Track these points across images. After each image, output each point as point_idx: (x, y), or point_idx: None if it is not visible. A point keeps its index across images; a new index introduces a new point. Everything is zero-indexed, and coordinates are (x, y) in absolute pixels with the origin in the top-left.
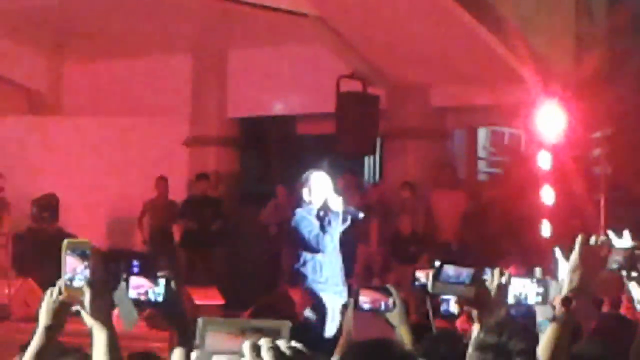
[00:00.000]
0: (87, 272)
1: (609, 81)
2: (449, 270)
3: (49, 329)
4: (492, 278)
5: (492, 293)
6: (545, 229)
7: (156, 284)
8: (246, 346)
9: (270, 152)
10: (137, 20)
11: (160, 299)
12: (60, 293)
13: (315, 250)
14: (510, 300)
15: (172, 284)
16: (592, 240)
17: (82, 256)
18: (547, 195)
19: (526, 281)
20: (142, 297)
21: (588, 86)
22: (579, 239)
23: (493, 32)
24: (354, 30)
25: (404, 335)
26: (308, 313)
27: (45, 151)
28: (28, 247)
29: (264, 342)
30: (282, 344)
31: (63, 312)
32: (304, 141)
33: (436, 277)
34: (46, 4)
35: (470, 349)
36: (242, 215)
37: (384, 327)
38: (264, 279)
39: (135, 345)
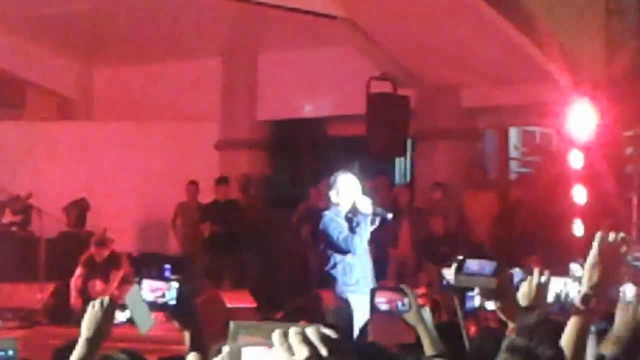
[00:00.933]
0: None
1: None
2: (472, 264)
3: (90, 341)
4: (531, 277)
5: (532, 293)
6: (578, 228)
7: (170, 286)
8: (275, 334)
9: (301, 155)
10: (166, 24)
11: (172, 302)
12: (102, 305)
13: (344, 251)
14: (550, 299)
15: (185, 287)
16: (611, 237)
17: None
18: (579, 195)
19: (567, 280)
20: (159, 300)
21: (619, 84)
22: (598, 236)
23: (523, 32)
24: (383, 31)
25: (422, 334)
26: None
27: (77, 156)
28: (60, 252)
29: (292, 329)
30: (310, 330)
31: (106, 324)
32: (335, 143)
33: (459, 270)
34: (76, 10)
35: (502, 349)
36: (273, 218)
37: (402, 327)
38: (296, 282)
39: (170, 348)
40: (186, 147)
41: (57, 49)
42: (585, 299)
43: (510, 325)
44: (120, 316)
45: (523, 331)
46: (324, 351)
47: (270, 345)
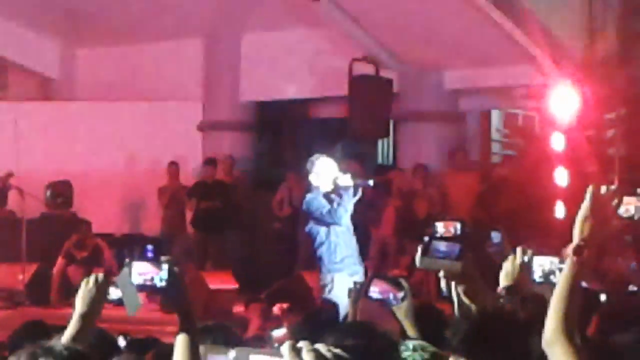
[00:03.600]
0: None
1: (623, 62)
2: (440, 245)
3: (84, 317)
4: (514, 257)
5: (515, 272)
6: (560, 210)
7: (160, 269)
8: (285, 347)
9: (283, 136)
10: (150, 5)
11: (163, 284)
12: (97, 282)
13: (332, 222)
14: (538, 278)
15: (176, 268)
16: (603, 189)
17: None
18: (561, 177)
19: (553, 259)
20: (148, 283)
21: (601, 67)
22: (589, 189)
23: (506, 14)
24: (366, 13)
25: (408, 329)
26: (326, 296)
27: (59, 137)
28: (42, 233)
29: (304, 344)
30: (322, 347)
31: (99, 300)
32: (317, 125)
33: (425, 252)
34: None
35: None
36: (255, 200)
37: (390, 317)
38: (278, 263)
39: (151, 329)
40: (169, 128)
41: (39, 30)
42: (578, 250)
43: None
44: (114, 293)
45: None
46: None
47: (279, 355)
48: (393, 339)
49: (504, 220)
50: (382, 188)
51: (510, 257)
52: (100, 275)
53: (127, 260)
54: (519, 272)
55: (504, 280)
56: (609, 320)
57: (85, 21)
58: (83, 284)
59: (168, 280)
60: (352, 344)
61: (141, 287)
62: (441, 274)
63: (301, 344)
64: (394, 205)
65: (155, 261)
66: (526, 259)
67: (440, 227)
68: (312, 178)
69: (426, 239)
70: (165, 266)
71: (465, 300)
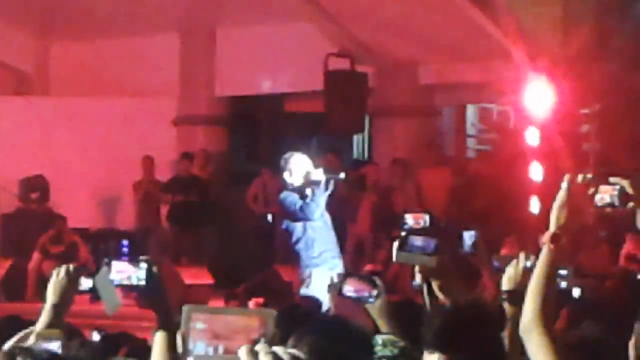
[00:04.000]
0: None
1: (598, 57)
2: (416, 240)
3: (56, 307)
4: (516, 261)
5: (518, 277)
6: (534, 206)
7: (138, 267)
8: (243, 351)
9: (258, 131)
10: None
11: (142, 283)
12: (67, 272)
13: (303, 218)
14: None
15: (154, 268)
16: (580, 178)
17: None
18: (536, 172)
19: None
20: (125, 282)
21: (576, 62)
22: (566, 177)
23: (481, 9)
24: (341, 7)
25: (382, 327)
26: (304, 290)
27: (33, 132)
28: (17, 228)
29: (261, 347)
30: (279, 350)
31: (70, 290)
32: (293, 119)
33: (401, 246)
34: None
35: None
36: (230, 194)
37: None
38: (253, 258)
39: (127, 324)
40: (144, 123)
41: (13, 23)
42: (554, 237)
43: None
44: (85, 283)
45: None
46: None
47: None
48: (368, 335)
49: (479, 215)
50: (357, 183)
51: (514, 262)
52: (71, 266)
53: (105, 259)
54: (522, 277)
55: (506, 284)
56: (578, 314)
57: (61, 15)
58: (54, 274)
59: (147, 280)
60: (327, 343)
61: (119, 286)
62: (416, 268)
63: (258, 347)
64: (370, 200)
65: (134, 260)
66: (529, 263)
67: (410, 219)
68: (286, 176)
69: (403, 233)
70: (143, 265)
71: (440, 295)
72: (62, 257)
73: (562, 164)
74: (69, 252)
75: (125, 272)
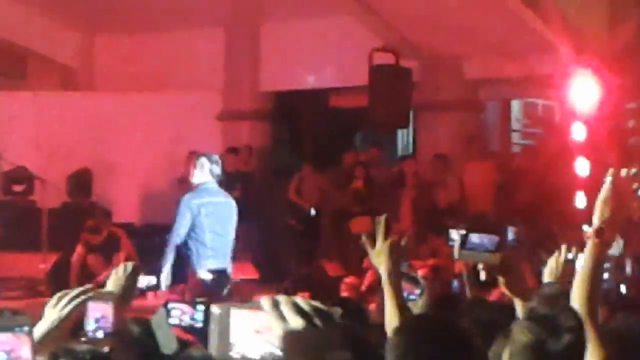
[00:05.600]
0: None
1: None
2: (475, 238)
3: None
4: (558, 254)
5: (559, 270)
6: (580, 201)
7: (195, 309)
8: (265, 300)
9: (302, 126)
10: None
11: (199, 325)
12: (133, 270)
13: None
14: None
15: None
16: (624, 172)
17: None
18: (582, 167)
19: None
20: (184, 324)
21: (622, 56)
22: (610, 172)
23: (526, 3)
24: (386, 2)
25: None
26: None
27: (79, 127)
28: (63, 223)
29: (283, 298)
30: (300, 300)
31: (129, 289)
32: (337, 114)
33: (462, 245)
34: None
35: (520, 318)
36: (274, 189)
37: None
38: (297, 253)
39: None
40: (188, 118)
41: (58, 18)
42: (599, 232)
43: (517, 300)
44: (142, 281)
45: (545, 300)
46: (318, 321)
47: (259, 309)
48: None
49: (524, 211)
50: (397, 179)
51: (555, 254)
52: (130, 265)
53: (164, 302)
54: (563, 269)
55: (547, 277)
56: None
57: (105, 10)
58: (113, 274)
59: (204, 321)
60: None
61: (176, 327)
62: (480, 266)
63: (279, 297)
64: (409, 197)
65: (191, 303)
66: (570, 256)
67: (454, 235)
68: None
69: (463, 232)
70: (200, 307)
71: (507, 293)
72: (103, 248)
73: (607, 158)
74: (109, 242)
75: (183, 314)
